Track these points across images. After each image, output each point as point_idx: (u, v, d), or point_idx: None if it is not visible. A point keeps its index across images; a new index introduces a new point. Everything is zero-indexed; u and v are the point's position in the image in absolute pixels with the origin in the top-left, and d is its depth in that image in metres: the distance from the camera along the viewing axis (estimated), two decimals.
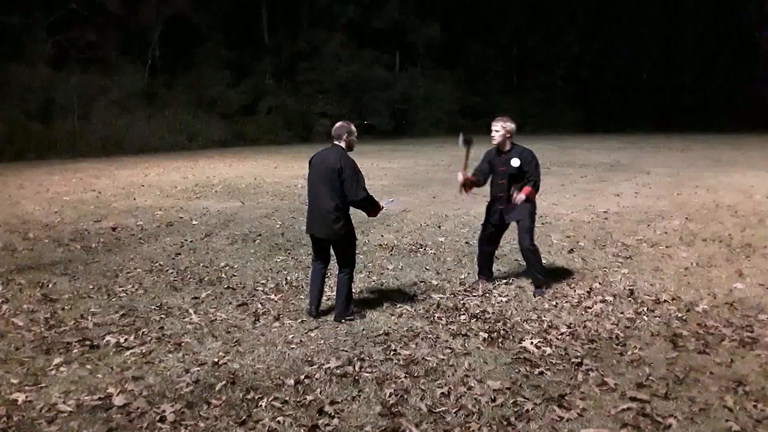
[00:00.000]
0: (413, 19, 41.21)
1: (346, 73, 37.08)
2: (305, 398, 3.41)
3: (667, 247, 7.01)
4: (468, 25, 45.03)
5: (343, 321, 4.65)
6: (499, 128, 5.17)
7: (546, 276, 5.40)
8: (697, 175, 14.05)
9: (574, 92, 46.36)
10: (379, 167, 17.04)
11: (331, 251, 4.79)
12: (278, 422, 3.16)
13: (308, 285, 5.10)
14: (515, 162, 5.11)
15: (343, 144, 4.66)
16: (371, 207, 4.69)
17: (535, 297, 5.13)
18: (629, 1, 46.08)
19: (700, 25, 45.56)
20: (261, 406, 3.34)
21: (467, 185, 5.34)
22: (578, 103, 45.95)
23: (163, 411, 3.28)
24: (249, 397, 3.44)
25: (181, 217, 9.58)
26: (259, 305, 5.11)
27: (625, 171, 15.42)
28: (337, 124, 4.73)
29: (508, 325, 4.53)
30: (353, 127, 4.73)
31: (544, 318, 4.67)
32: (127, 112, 26.64)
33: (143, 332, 4.50)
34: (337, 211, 4.50)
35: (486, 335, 4.27)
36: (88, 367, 3.90)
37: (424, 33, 41.85)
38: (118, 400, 3.41)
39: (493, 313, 4.81)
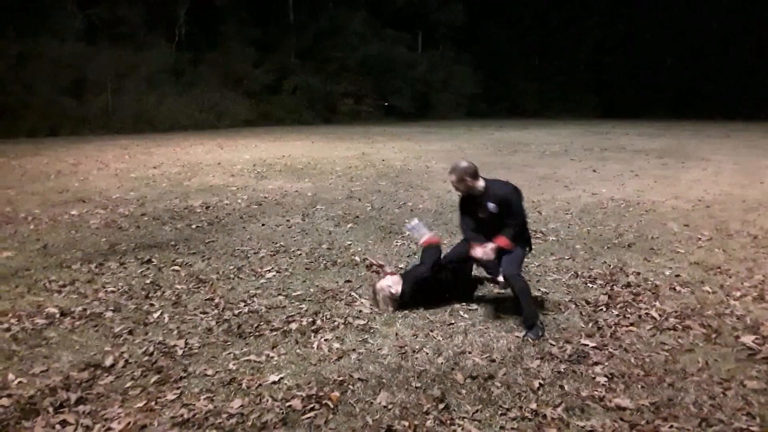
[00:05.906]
0: None
1: (368, 52, 36.71)
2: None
3: None
4: (488, 7, 44.53)
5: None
6: (454, 179, 4.26)
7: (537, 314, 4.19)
8: (762, 163, 13.82)
9: (595, 77, 45.95)
10: (425, 149, 16.75)
11: None
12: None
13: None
14: (491, 207, 4.21)
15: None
16: None
17: (524, 339, 3.94)
18: None
19: (723, 13, 45.05)
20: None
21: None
22: (597, 87, 45.62)
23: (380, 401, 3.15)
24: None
25: (266, 197, 9.38)
26: None
27: (683, 157, 15.16)
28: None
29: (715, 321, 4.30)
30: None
31: (742, 315, 4.48)
32: (156, 89, 26.34)
33: (325, 316, 4.33)
34: None
35: (703, 331, 4.08)
36: (298, 351, 3.73)
37: (447, 13, 41.44)
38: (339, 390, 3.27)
39: (695, 309, 4.64)
